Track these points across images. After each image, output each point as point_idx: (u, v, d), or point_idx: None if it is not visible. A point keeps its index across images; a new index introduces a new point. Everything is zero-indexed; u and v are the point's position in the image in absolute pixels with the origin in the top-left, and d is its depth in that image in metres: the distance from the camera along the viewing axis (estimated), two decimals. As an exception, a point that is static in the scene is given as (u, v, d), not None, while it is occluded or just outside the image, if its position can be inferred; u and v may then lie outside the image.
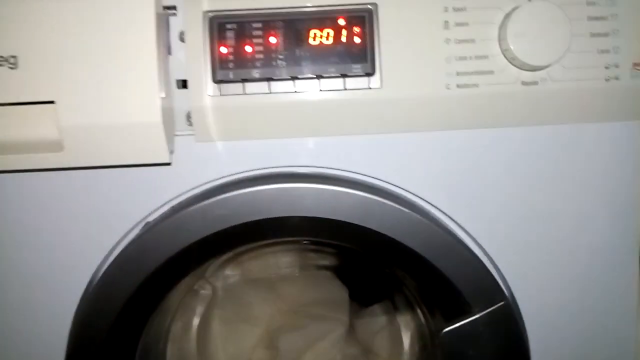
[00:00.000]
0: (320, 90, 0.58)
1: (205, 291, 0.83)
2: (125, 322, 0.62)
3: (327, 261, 0.88)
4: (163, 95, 0.51)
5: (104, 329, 0.62)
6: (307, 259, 0.87)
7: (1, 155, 0.49)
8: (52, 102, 0.48)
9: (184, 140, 0.60)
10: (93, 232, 0.61)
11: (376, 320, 0.90)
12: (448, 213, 0.62)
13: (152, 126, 0.49)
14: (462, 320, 0.63)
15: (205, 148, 0.60)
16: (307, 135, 0.60)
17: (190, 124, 0.60)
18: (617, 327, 0.65)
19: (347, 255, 0.87)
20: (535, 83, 0.58)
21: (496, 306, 0.62)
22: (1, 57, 0.48)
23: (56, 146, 0.49)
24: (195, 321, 0.83)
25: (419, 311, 0.87)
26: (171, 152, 0.54)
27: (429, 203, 0.62)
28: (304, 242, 0.84)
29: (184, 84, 0.59)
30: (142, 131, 0.49)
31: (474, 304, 0.62)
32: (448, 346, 0.64)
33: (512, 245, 0.63)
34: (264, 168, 0.62)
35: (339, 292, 0.89)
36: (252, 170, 0.62)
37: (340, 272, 0.90)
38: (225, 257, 0.79)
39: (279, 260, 0.86)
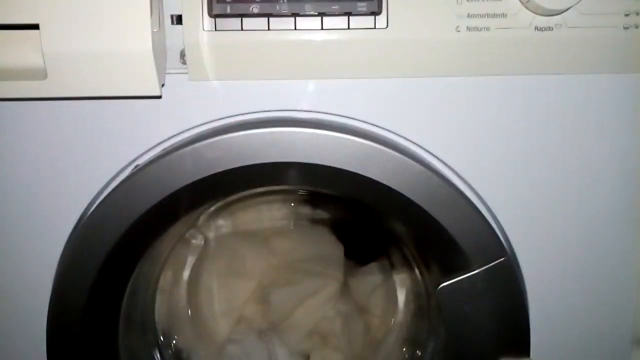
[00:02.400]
0: (323, 29, 0.55)
1: (197, 241, 0.81)
2: (112, 267, 0.60)
3: (323, 215, 0.86)
4: (155, 26, 0.47)
5: (90, 273, 0.60)
6: (302, 212, 0.85)
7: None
8: (35, 26, 0.45)
9: (177, 78, 0.57)
10: (80, 171, 0.58)
11: (371, 278, 0.89)
12: (450, 164, 0.59)
13: (142, 55, 0.46)
14: (460, 275, 0.61)
15: (199, 87, 0.57)
16: (307, 77, 0.57)
17: (184, 62, 0.56)
18: (616, 286, 0.64)
19: (344, 210, 0.85)
20: (549, 29, 0.55)
21: (496, 262, 0.60)
22: (-19, -26, 0.44)
23: (40, 74, 0.46)
24: (186, 272, 0.82)
25: (416, 269, 0.86)
26: (162, 85, 0.51)
27: (430, 153, 0.59)
28: (299, 192, 0.81)
29: (178, 19, 0.56)
30: (131, 60, 0.46)
31: (472, 259, 0.60)
32: (445, 301, 0.62)
33: (516, 200, 0.61)
34: (260, 111, 0.59)
35: (334, 248, 0.87)
36: (248, 113, 0.59)
37: (337, 228, 0.88)
38: (217, 205, 0.77)
39: (273, 213, 0.84)
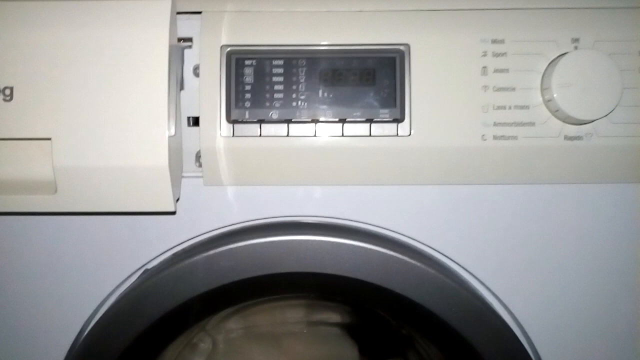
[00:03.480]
0: (343, 136, 0.53)
1: (205, 344, 0.76)
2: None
3: (336, 316, 0.82)
4: (172, 133, 0.45)
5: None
6: (315, 313, 0.81)
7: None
8: (47, 139, 0.43)
9: (192, 182, 0.55)
10: (87, 279, 0.55)
11: (387, 380, 0.84)
12: (477, 274, 0.56)
13: (157, 171, 0.44)
14: (489, 396, 0.56)
15: (214, 192, 0.55)
16: (327, 183, 0.55)
17: (200, 165, 0.55)
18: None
19: (360, 311, 0.81)
20: (579, 138, 0.53)
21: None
22: (-4, 87, 0.43)
23: (49, 187, 0.44)
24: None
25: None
26: (177, 200, 0.49)
27: (455, 262, 0.56)
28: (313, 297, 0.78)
29: (195, 121, 0.55)
30: (145, 176, 0.44)
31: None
32: None
33: (545, 312, 0.57)
34: (277, 217, 0.56)
35: (348, 349, 0.82)
36: (263, 218, 0.56)
37: (351, 328, 0.84)
38: (228, 310, 0.73)
39: (286, 315, 0.80)
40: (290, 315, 0.79)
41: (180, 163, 0.51)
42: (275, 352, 0.80)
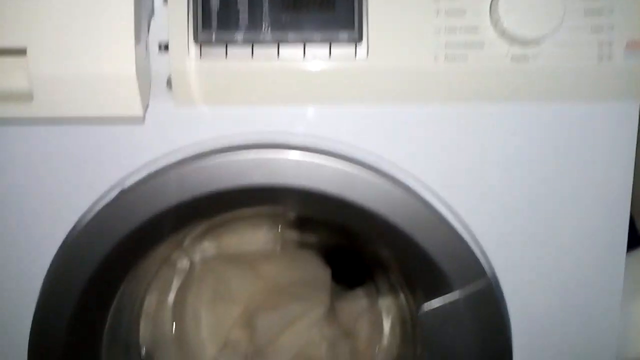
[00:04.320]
0: (305, 59, 0.56)
1: (182, 264, 0.81)
2: (96, 286, 0.61)
3: (309, 239, 0.87)
4: (142, 53, 0.49)
5: (75, 291, 0.60)
6: (288, 236, 0.86)
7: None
8: (23, 50, 0.46)
9: (164, 105, 0.58)
10: (65, 193, 0.59)
11: (358, 303, 0.89)
12: (431, 187, 0.60)
13: (126, 77, 0.47)
14: (443, 299, 0.61)
15: (184, 113, 0.58)
16: (290, 104, 0.59)
17: (170, 88, 0.58)
18: (600, 308, 0.64)
19: (330, 234, 0.86)
20: (525, 59, 0.56)
21: (477, 284, 0.61)
22: (-29, 1, 0.46)
23: (26, 96, 0.48)
24: (171, 295, 0.82)
25: (401, 295, 0.86)
26: (145, 107, 0.52)
27: (411, 176, 0.60)
28: (286, 216, 0.82)
29: (166, 47, 0.57)
30: (115, 82, 0.47)
31: (454, 281, 0.61)
32: (427, 324, 0.63)
33: (496, 222, 0.61)
34: (243, 135, 0.60)
35: (320, 272, 0.87)
36: (232, 136, 0.60)
37: (324, 253, 0.89)
38: (202, 228, 0.77)
39: (259, 236, 0.84)
40: (263, 235, 0.84)
41: (149, 78, 0.54)
42: (250, 275, 0.84)
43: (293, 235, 0.85)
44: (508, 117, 0.59)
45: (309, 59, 0.56)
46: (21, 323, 0.62)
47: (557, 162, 0.60)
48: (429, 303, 0.62)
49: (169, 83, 0.58)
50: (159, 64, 0.57)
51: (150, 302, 0.79)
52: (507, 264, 0.63)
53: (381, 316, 0.88)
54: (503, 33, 0.55)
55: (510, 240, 0.62)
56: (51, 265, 0.61)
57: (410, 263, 0.64)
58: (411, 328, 0.84)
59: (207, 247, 0.82)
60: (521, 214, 0.62)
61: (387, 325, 0.87)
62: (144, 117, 0.52)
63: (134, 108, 0.49)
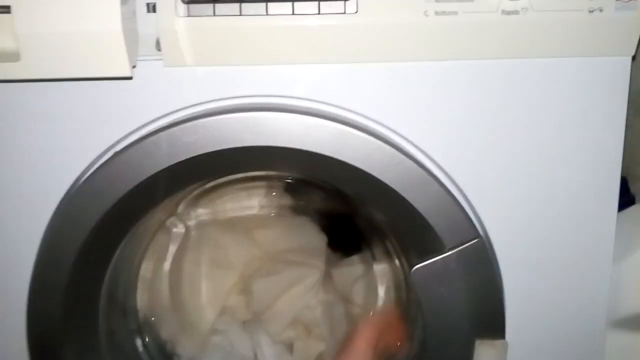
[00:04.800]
0: (294, 14, 0.56)
1: (178, 229, 0.81)
2: (92, 249, 0.61)
3: (304, 206, 0.87)
4: (129, 14, 0.48)
5: (71, 255, 0.61)
6: (284, 202, 0.86)
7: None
8: (6, 7, 0.46)
9: (153, 65, 0.58)
10: (57, 158, 0.59)
11: (353, 269, 0.90)
12: (421, 147, 0.60)
13: (112, 35, 0.47)
14: (435, 257, 0.62)
15: (174, 73, 0.58)
16: (280, 62, 0.58)
17: (159, 49, 0.57)
18: (591, 266, 0.65)
19: (326, 201, 0.86)
20: (516, 12, 0.56)
21: (469, 243, 0.61)
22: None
23: (13, 56, 0.47)
24: (167, 262, 0.82)
25: (396, 260, 0.87)
26: (133, 66, 0.52)
27: (401, 136, 0.60)
28: (280, 181, 0.82)
29: (153, 8, 0.57)
30: (102, 40, 0.47)
31: (445, 240, 0.61)
32: (420, 283, 0.63)
33: (487, 181, 0.62)
34: (235, 97, 0.60)
35: (316, 239, 0.88)
36: (222, 99, 0.60)
37: (320, 220, 0.89)
38: (196, 192, 0.78)
39: (253, 202, 0.85)
40: (257, 200, 0.84)
41: (136, 40, 0.54)
42: (246, 241, 0.85)
43: (288, 201, 0.86)
44: (498, 73, 0.59)
45: (298, 15, 0.56)
46: (19, 282, 0.62)
47: (548, 119, 0.60)
48: (421, 262, 0.63)
49: (157, 45, 0.58)
50: (147, 26, 0.57)
51: (146, 268, 0.80)
52: (499, 223, 0.63)
53: (376, 281, 0.89)
54: (492, -15, 0.54)
55: (502, 199, 0.62)
56: (48, 225, 0.61)
57: (402, 224, 0.65)
58: (405, 292, 0.85)
59: (202, 213, 0.82)
60: (512, 172, 0.62)
61: (381, 290, 0.88)
62: (131, 76, 0.51)
63: (122, 67, 0.49)
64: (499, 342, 0.64)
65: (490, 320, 0.64)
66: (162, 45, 0.56)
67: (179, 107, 0.59)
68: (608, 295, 0.66)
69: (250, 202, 0.84)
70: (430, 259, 0.62)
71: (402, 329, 0.63)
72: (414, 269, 0.62)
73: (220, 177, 0.69)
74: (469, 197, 0.62)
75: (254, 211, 0.85)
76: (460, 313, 0.64)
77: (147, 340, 0.82)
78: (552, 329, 0.66)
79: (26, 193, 0.61)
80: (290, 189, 0.85)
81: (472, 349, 0.64)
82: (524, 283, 0.65)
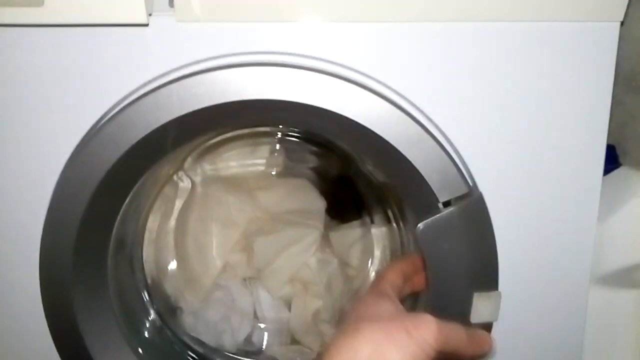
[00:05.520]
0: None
1: (184, 184, 0.85)
2: (103, 196, 0.64)
3: (306, 168, 0.90)
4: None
5: (82, 201, 0.64)
6: (286, 163, 0.89)
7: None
8: (32, -45, 0.49)
9: (166, 20, 0.61)
10: (71, 109, 0.62)
11: (352, 232, 0.93)
12: (418, 104, 0.63)
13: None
14: (438, 213, 0.64)
15: (186, 29, 0.61)
16: (286, 19, 0.61)
17: (172, 6, 0.60)
18: (577, 223, 0.68)
19: (326, 163, 0.89)
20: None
21: (469, 199, 0.64)
22: None
23: (37, 1, 0.50)
24: (173, 217, 0.86)
25: (393, 224, 0.90)
26: (149, 14, 0.55)
27: (400, 94, 0.63)
28: (282, 141, 0.85)
29: (167, -36, 0.60)
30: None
31: (442, 197, 0.64)
32: (425, 240, 0.64)
33: (481, 139, 0.64)
34: (245, 53, 0.62)
35: (316, 202, 0.91)
36: (231, 54, 0.62)
37: (320, 185, 0.93)
38: (203, 147, 0.81)
39: (257, 160, 0.88)
40: (260, 159, 0.87)
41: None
42: (249, 202, 0.88)
43: (290, 162, 0.89)
44: (492, 35, 0.61)
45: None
46: (32, 230, 0.66)
47: (537, 82, 0.63)
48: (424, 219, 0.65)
49: (171, 2, 0.60)
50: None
51: (153, 221, 0.83)
52: (491, 181, 0.66)
53: (372, 245, 0.92)
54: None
55: (494, 157, 0.65)
56: (62, 173, 0.64)
57: (400, 182, 0.68)
58: (401, 255, 0.89)
59: (208, 169, 0.85)
60: (503, 132, 0.64)
61: (377, 252, 0.92)
62: (147, 23, 0.55)
63: (139, 14, 0.52)
64: (493, 293, 0.67)
65: (486, 273, 0.68)
66: (176, 2, 0.59)
67: (189, 61, 0.62)
68: (592, 252, 0.69)
69: (253, 160, 0.88)
70: (432, 215, 0.65)
71: (424, 276, 0.66)
72: (419, 225, 0.64)
73: (227, 131, 0.72)
74: (463, 154, 0.65)
75: (257, 169, 0.88)
76: (460, 267, 0.66)
77: (152, 293, 0.85)
78: (540, 282, 0.70)
79: (40, 139, 0.64)
80: (292, 151, 0.88)
81: (471, 300, 0.67)
82: (515, 239, 0.68)
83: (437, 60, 0.62)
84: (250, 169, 0.87)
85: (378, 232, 0.93)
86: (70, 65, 0.60)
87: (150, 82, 0.63)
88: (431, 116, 0.64)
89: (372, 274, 0.93)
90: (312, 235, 0.87)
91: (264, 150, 0.88)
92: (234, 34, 0.62)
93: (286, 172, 0.90)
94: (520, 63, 0.63)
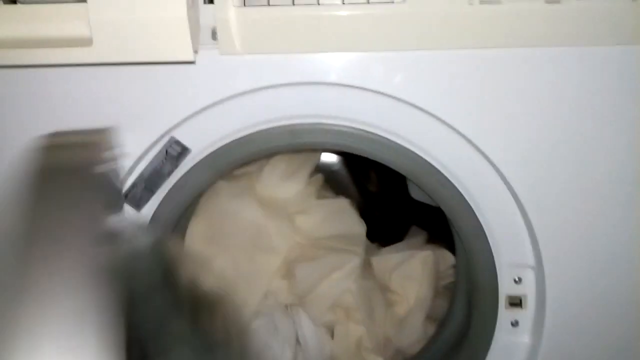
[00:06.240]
0: (344, 4, 0.59)
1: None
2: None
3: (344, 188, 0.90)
4: (190, 3, 0.52)
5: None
6: (325, 190, 0.89)
7: (33, 49, 0.52)
8: (83, -2, 0.50)
9: (209, 53, 0.61)
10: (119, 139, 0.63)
11: (393, 256, 0.92)
12: (466, 133, 0.62)
13: (178, 21, 0.51)
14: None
15: (230, 60, 0.61)
16: (330, 50, 0.61)
17: (216, 39, 0.61)
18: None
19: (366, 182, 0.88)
20: (558, 1, 0.57)
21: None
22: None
23: (86, 42, 0.51)
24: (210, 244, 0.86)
25: (437, 250, 0.89)
26: (196, 51, 0.55)
27: (446, 123, 0.62)
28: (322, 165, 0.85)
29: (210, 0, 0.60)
30: (168, 27, 0.51)
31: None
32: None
33: (527, 164, 0.63)
34: (287, 83, 0.62)
35: (356, 226, 0.91)
36: (279, 85, 0.63)
37: (360, 208, 0.92)
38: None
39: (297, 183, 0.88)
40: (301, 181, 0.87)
41: (198, 26, 0.57)
42: (288, 229, 0.88)
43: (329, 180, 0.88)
44: (541, 61, 0.60)
45: (348, 5, 0.58)
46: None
47: (589, 104, 0.61)
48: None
49: (214, 35, 0.61)
50: (204, 16, 0.60)
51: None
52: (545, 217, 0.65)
53: (417, 269, 0.91)
54: (537, -25, 0.56)
55: (542, 181, 0.64)
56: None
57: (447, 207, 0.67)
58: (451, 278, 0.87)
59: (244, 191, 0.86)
60: (551, 156, 0.63)
61: (422, 277, 0.90)
62: (194, 61, 0.55)
63: (186, 52, 0.52)
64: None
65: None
66: (219, 35, 0.60)
67: (234, 93, 0.62)
68: None
69: (292, 181, 0.88)
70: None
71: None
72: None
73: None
74: (510, 181, 0.64)
75: (296, 190, 0.88)
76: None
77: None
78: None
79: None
80: (332, 171, 0.88)
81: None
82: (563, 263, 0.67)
83: (485, 87, 0.61)
84: (290, 190, 0.87)
85: (420, 256, 0.91)
86: (116, 104, 0.61)
87: (197, 112, 0.63)
88: (477, 143, 0.63)
89: (414, 300, 0.91)
90: (353, 261, 0.86)
91: (303, 171, 0.87)
92: (277, 64, 0.62)
93: (325, 193, 0.89)
94: (571, 88, 0.61)
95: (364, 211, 0.93)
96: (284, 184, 0.89)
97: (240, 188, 0.88)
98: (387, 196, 0.90)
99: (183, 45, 0.52)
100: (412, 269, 0.90)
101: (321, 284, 0.86)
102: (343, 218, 0.90)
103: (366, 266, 0.90)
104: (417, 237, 0.98)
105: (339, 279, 0.86)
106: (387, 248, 0.95)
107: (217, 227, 0.87)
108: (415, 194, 0.84)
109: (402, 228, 1.00)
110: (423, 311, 0.89)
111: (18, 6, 0.53)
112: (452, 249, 0.85)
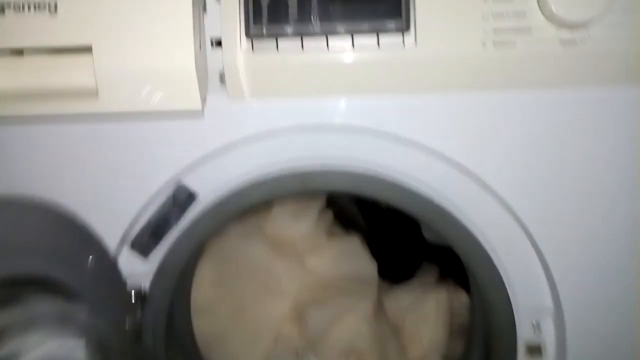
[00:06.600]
0: (354, 49, 0.58)
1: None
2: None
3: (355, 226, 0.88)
4: (196, 44, 0.51)
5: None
6: (334, 229, 0.87)
7: (37, 101, 0.51)
8: (89, 48, 0.49)
9: (217, 97, 0.60)
10: (124, 186, 0.62)
11: (406, 296, 0.90)
12: (481, 176, 0.60)
13: (186, 71, 0.50)
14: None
15: (239, 106, 0.60)
16: (340, 94, 0.60)
17: (223, 83, 0.60)
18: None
19: (377, 230, 0.87)
20: (574, 43, 0.56)
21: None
22: (42, 2, 0.49)
23: (92, 92, 0.50)
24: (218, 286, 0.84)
25: (450, 290, 0.87)
26: (203, 100, 0.54)
27: (462, 166, 0.61)
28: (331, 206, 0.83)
29: (218, 43, 0.59)
30: (176, 76, 0.50)
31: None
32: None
33: (546, 211, 0.61)
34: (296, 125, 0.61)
35: (367, 267, 0.89)
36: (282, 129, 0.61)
37: (371, 246, 0.90)
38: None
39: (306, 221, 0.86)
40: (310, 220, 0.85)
41: (206, 73, 0.56)
42: (299, 270, 0.86)
43: (339, 219, 0.87)
44: (557, 102, 0.59)
45: (358, 50, 0.57)
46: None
47: (609, 146, 0.60)
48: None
49: (221, 78, 0.60)
50: (211, 60, 0.59)
51: (196, 290, 0.82)
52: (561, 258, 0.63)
53: (431, 309, 0.88)
54: (551, 17, 0.55)
55: (562, 229, 0.62)
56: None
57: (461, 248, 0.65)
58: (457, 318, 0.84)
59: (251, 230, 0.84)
60: (568, 200, 0.61)
61: (436, 317, 0.87)
62: (202, 111, 0.54)
63: (194, 101, 0.51)
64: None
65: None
66: (228, 81, 0.59)
67: (242, 137, 0.61)
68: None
69: (301, 220, 0.86)
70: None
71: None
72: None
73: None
74: (526, 224, 0.62)
75: (305, 229, 0.86)
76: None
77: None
78: None
79: (93, 219, 0.63)
80: (341, 210, 0.86)
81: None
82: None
83: (500, 129, 0.60)
84: (299, 229, 0.86)
85: (434, 296, 0.89)
86: (120, 151, 0.60)
87: (204, 158, 0.62)
88: (492, 185, 0.61)
89: (428, 342, 0.88)
90: (364, 303, 0.84)
91: (313, 210, 0.86)
92: (287, 109, 0.61)
93: (335, 229, 0.88)
94: (587, 129, 0.60)
95: (375, 246, 0.91)
96: (294, 223, 0.88)
97: (250, 228, 0.86)
98: (400, 237, 0.88)
99: (191, 95, 0.51)
100: (426, 310, 0.88)
101: (333, 328, 0.84)
102: (354, 258, 0.88)
103: (378, 306, 0.88)
104: (429, 273, 0.96)
105: (350, 323, 0.84)
106: (399, 286, 0.93)
107: (226, 269, 0.86)
108: (429, 234, 0.82)
109: (413, 265, 0.98)
110: (437, 354, 0.87)
111: (25, 57, 0.52)
112: (463, 282, 0.83)
